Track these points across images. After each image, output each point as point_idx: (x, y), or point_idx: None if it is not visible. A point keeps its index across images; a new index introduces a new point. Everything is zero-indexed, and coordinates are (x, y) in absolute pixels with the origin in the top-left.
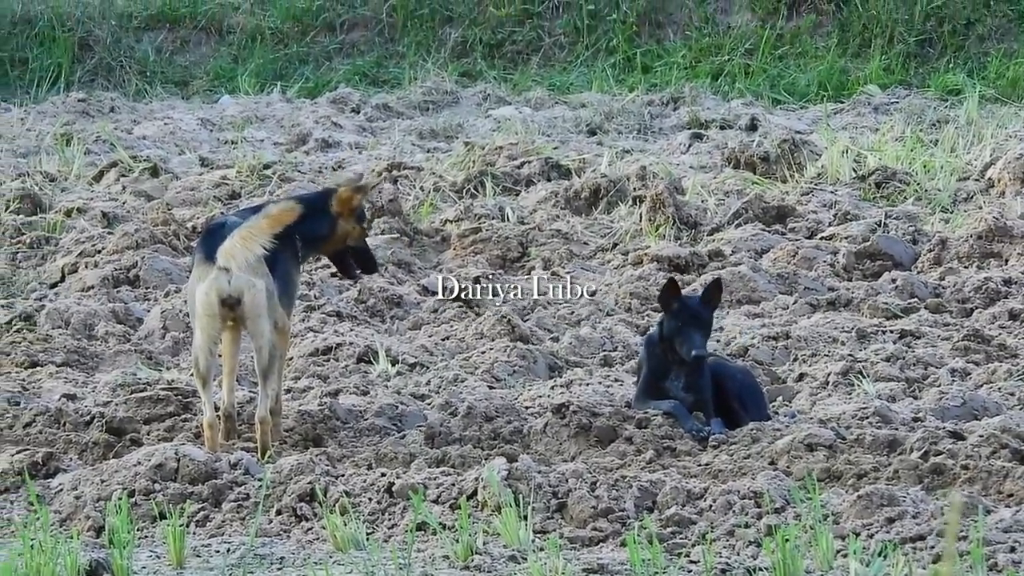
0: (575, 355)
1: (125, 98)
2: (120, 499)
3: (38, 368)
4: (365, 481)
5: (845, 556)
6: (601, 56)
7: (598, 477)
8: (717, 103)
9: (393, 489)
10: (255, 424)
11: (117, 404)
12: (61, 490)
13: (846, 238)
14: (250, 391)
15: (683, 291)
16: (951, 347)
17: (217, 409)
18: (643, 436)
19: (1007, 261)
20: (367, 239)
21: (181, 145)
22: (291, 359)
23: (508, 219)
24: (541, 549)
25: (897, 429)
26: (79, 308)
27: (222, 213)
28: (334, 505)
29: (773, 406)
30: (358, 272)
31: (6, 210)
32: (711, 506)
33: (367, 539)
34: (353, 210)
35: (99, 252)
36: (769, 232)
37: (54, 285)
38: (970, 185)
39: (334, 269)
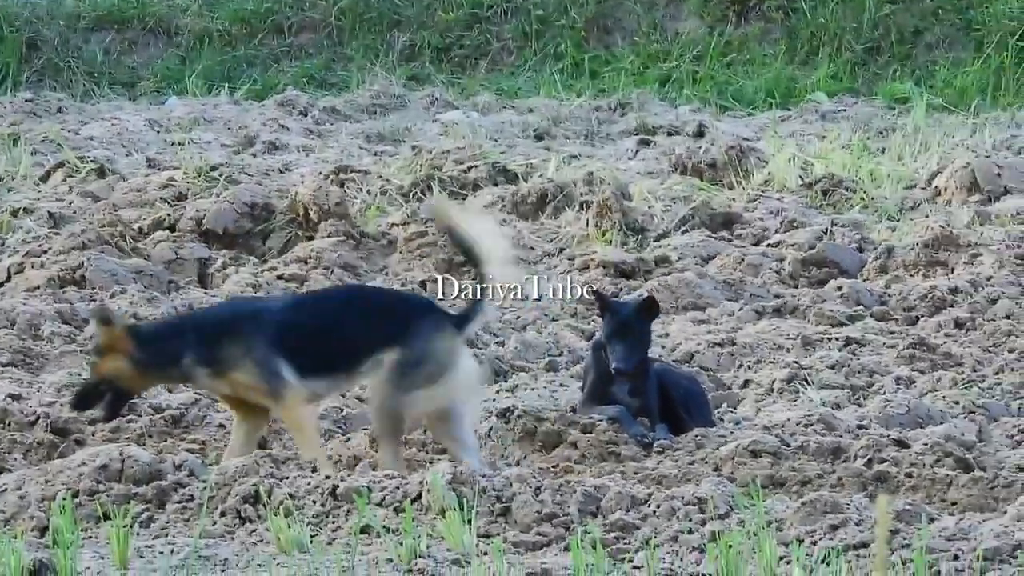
0: (520, 359)
1: (72, 99)
2: (64, 499)
3: None
4: (309, 483)
5: (788, 563)
6: (549, 61)
7: (542, 482)
8: (665, 109)
9: (337, 492)
10: None
11: (62, 404)
12: (5, 490)
13: (792, 245)
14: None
15: (625, 296)
16: (896, 355)
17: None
18: (588, 441)
19: (953, 270)
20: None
21: (128, 146)
22: None
23: None
24: (485, 553)
25: (841, 436)
26: (25, 308)
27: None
28: (278, 507)
29: (718, 412)
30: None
31: None
32: (655, 512)
33: (311, 541)
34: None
35: (45, 252)
36: (715, 239)
37: (0, 285)
38: (917, 193)
39: (279, 274)
